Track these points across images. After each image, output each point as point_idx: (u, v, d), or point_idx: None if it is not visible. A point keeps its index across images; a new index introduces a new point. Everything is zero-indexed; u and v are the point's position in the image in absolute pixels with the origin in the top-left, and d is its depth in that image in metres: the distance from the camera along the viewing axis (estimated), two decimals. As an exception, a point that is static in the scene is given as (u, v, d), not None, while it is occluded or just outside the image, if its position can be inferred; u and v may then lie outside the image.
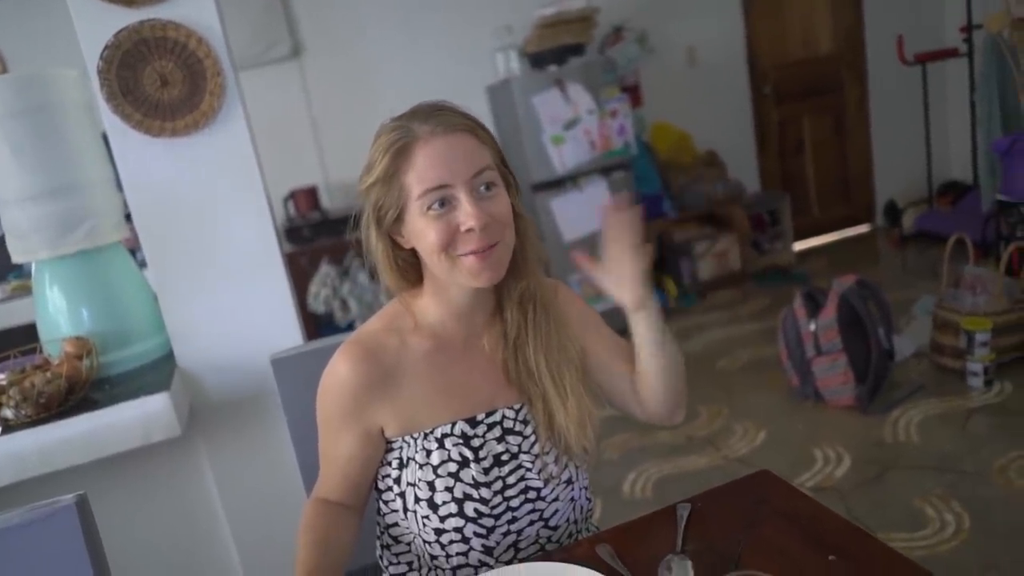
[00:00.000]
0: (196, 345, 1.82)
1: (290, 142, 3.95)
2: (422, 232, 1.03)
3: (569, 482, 1.17)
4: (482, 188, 1.03)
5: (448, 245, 1.02)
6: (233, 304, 1.82)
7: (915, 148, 4.82)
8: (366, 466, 1.14)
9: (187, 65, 1.71)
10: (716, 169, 4.59)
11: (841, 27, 5.04)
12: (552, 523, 1.16)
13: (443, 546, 1.11)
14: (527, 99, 3.82)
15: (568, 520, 1.19)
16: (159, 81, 1.70)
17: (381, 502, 1.17)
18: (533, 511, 1.14)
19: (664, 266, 4.42)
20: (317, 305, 3.85)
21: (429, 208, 1.01)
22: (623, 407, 1.31)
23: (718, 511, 1.09)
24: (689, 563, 0.97)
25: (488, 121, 4.20)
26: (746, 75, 4.91)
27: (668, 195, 4.46)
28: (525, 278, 1.14)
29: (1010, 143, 3.25)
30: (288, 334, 1.88)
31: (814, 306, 2.97)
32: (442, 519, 1.09)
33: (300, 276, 3.82)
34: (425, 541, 1.12)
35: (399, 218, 1.05)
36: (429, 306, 1.13)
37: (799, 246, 5.00)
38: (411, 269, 1.12)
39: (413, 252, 1.09)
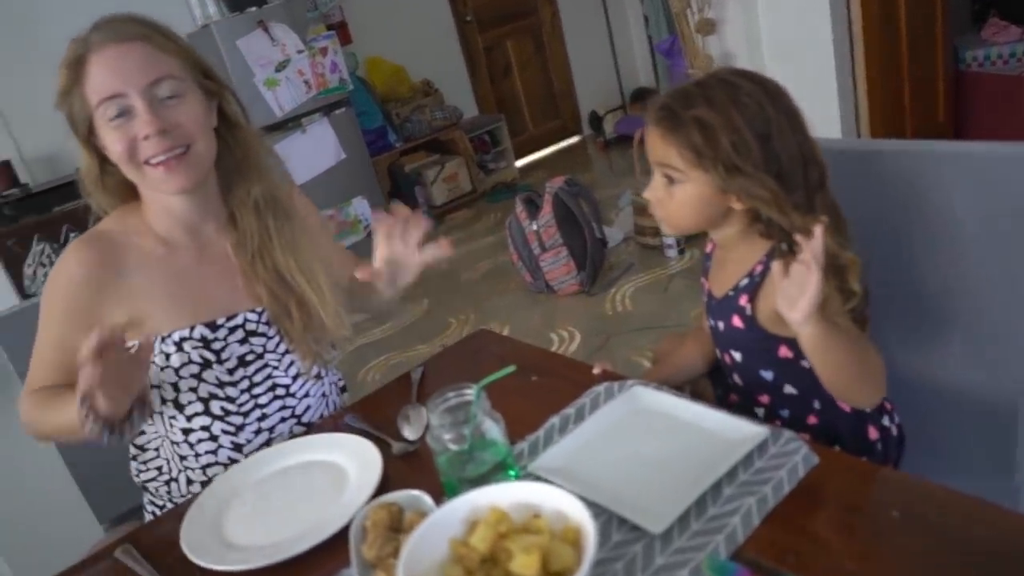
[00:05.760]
0: None
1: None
2: (108, 144, 1.04)
3: (319, 377, 1.25)
4: (164, 96, 1.03)
5: (132, 154, 1.03)
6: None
7: (606, 61, 5.34)
8: None
9: None
10: (433, 97, 4.78)
11: (526, -47, 5.38)
12: (305, 419, 1.23)
13: (191, 445, 1.15)
14: (231, 43, 3.69)
15: (322, 416, 1.26)
16: None
17: None
18: (284, 408, 1.20)
19: (399, 196, 4.57)
20: (36, 287, 3.53)
21: (109, 119, 1.02)
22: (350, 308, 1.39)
23: (446, 367, 1.26)
24: (423, 409, 1.14)
25: (193, 71, 4.00)
26: (447, 4, 5.10)
27: (391, 127, 4.58)
28: (255, 183, 1.15)
29: (670, 43, 3.75)
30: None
31: (533, 208, 3.28)
32: (188, 419, 1.14)
33: (12, 261, 3.47)
34: (173, 442, 1.15)
35: (91, 131, 1.05)
36: (155, 218, 1.14)
37: (521, 163, 5.37)
38: (123, 187, 1.12)
39: None
